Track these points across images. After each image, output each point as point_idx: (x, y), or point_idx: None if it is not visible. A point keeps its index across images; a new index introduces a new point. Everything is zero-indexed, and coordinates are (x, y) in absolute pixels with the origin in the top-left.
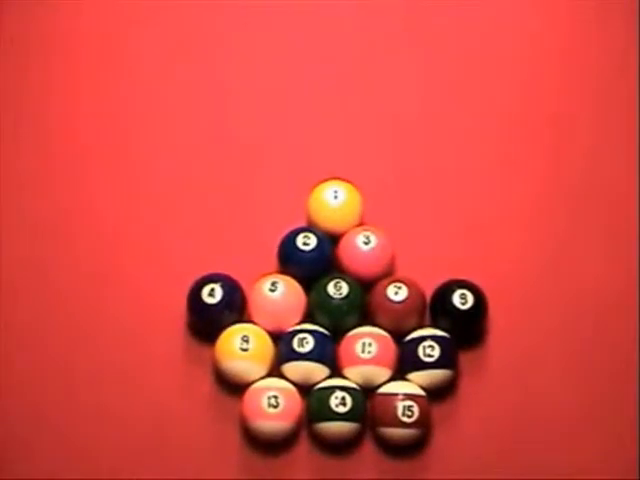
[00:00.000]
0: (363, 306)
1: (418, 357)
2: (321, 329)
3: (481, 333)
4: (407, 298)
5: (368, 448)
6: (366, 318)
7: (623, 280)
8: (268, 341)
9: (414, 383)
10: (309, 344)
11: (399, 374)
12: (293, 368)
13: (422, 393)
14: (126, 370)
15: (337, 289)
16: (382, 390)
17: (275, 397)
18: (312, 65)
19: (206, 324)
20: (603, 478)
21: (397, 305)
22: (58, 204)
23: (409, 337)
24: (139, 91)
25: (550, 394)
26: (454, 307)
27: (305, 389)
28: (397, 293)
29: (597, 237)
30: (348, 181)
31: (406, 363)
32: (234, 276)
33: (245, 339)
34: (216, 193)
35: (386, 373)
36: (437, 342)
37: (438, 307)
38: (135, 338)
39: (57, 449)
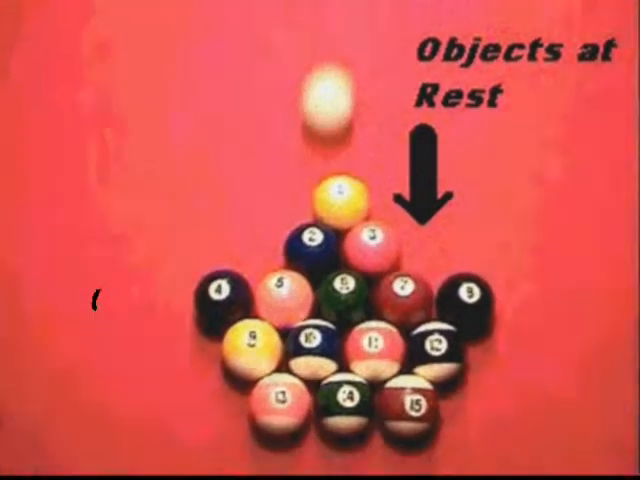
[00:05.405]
0: (370, 301)
1: (425, 351)
2: (328, 324)
3: (488, 326)
4: (413, 292)
5: (376, 442)
6: (373, 313)
7: (629, 275)
8: (275, 337)
9: (421, 377)
10: (316, 339)
11: (406, 368)
12: (300, 363)
13: (430, 387)
14: (134, 366)
15: (343, 284)
16: (390, 384)
17: (283, 392)
18: (317, 59)
19: (213, 320)
20: (611, 473)
21: (404, 299)
22: (67, 202)
23: (416, 331)
24: (148, 87)
25: (557, 387)
26: (461, 301)
27: (313, 384)
28: (403, 287)
29: (604, 232)
30: (354, 176)
31: (413, 357)
32: (241, 272)
33: (252, 335)
34: (222, 189)
35: (393, 367)
36: (444, 336)
37: (445, 301)
38: (143, 335)
39: (65, 444)
